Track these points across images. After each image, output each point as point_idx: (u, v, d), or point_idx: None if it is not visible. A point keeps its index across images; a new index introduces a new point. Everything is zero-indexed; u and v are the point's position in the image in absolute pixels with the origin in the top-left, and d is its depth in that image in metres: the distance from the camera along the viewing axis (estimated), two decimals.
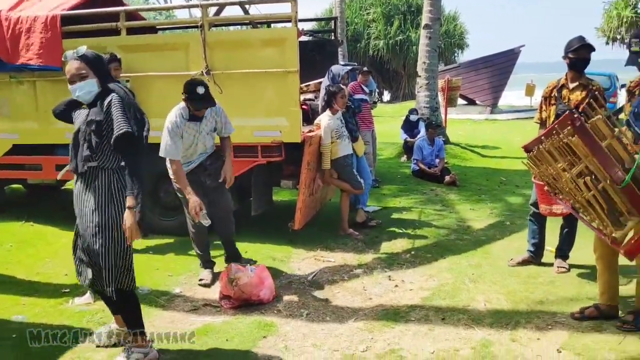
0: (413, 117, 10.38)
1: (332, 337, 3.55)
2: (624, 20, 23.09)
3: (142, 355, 3.13)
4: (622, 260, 3.57)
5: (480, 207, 6.95)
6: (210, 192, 4.38)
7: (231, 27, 7.35)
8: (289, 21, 5.10)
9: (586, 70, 4.28)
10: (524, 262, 4.76)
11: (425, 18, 11.23)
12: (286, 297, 4.18)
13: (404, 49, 28.54)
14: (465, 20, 30.93)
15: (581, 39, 4.18)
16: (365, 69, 8.72)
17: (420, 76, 11.37)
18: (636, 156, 3.12)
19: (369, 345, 3.41)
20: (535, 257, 4.77)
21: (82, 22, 5.62)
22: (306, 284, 4.47)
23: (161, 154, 4.12)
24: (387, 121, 15.63)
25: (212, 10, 6.13)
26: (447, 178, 8.27)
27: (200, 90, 4.01)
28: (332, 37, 7.98)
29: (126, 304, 3.15)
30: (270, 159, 5.21)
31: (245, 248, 5.03)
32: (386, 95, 32.55)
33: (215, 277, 4.46)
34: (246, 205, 5.62)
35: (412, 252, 5.20)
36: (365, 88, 8.09)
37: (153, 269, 4.76)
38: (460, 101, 19.86)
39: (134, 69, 5.38)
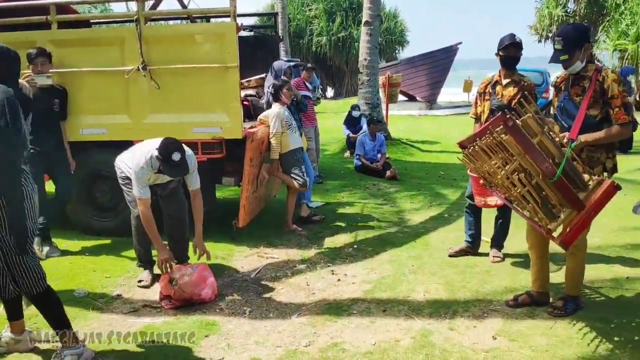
0: (355, 113, 10.50)
1: (275, 333, 3.54)
2: (555, 18, 24.15)
3: (75, 356, 3.02)
4: (552, 249, 3.76)
5: (420, 200, 7.11)
6: (162, 198, 4.32)
7: (171, 22, 7.21)
8: (228, 16, 5.04)
9: (519, 67, 4.44)
10: (461, 252, 4.91)
11: (365, 15, 11.35)
12: (229, 296, 4.14)
13: (347, 45, 28.80)
14: (405, 17, 31.50)
15: (511, 37, 4.32)
16: (309, 65, 8.76)
17: (361, 73, 11.49)
18: (564, 149, 3.28)
19: (312, 340, 3.43)
20: (472, 247, 4.93)
21: (11, 15, 5.34)
22: (249, 282, 4.44)
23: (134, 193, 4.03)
24: (331, 117, 15.74)
25: (149, 4, 5.96)
26: (388, 173, 8.42)
27: (176, 157, 3.82)
28: (273, 33, 7.96)
29: (44, 303, 3.02)
30: (211, 156, 5.13)
31: None
32: (330, 92, 32.75)
33: (155, 278, 4.35)
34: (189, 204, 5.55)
35: (355, 246, 5.26)
36: (308, 84, 8.13)
37: (89, 271, 4.60)
38: (401, 97, 20.27)
39: (66, 64, 5.17)
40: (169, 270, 4.00)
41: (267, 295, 4.18)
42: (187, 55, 5.04)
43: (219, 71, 4.97)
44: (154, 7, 6.34)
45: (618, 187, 3.18)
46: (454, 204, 6.81)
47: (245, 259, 4.98)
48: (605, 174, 3.56)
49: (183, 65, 5.03)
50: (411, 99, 20.39)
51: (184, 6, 6.62)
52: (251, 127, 5.34)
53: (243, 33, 7.29)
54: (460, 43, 20.35)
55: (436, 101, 20.40)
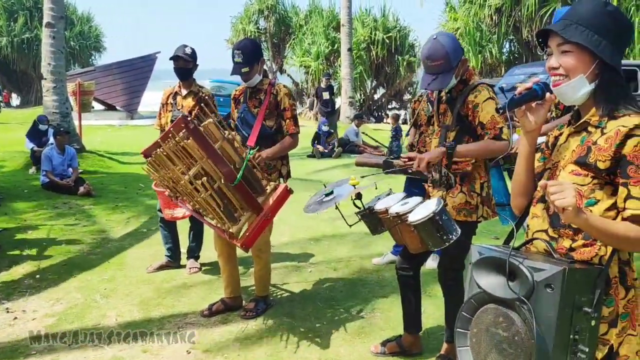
0: (42, 127, 9.44)
1: None
2: (249, 34, 25.82)
3: None
4: (242, 254, 3.91)
5: (117, 216, 6.70)
6: None
7: None
8: None
9: (224, 78, 4.56)
10: (162, 268, 4.76)
11: (47, 16, 10.26)
12: None
13: (33, 48, 25.91)
14: (101, 22, 29.98)
15: (180, 49, 4.37)
16: None
17: (46, 79, 10.36)
18: (244, 156, 3.43)
19: None
20: (172, 260, 4.82)
21: None
22: None
23: None
24: (16, 128, 13.97)
25: None
26: (81, 189, 7.71)
27: None
28: None
29: None
30: None
31: None
32: (15, 100, 29.07)
33: None
34: None
35: (37, 276, 4.62)
36: None
37: None
38: (100, 107, 19.11)
39: None
40: None
41: None
42: None
43: None
44: None
45: (290, 191, 3.48)
46: (153, 217, 6.59)
47: None
48: (281, 179, 3.87)
49: None
50: (111, 108, 19.32)
51: None
52: None
53: None
54: (159, 52, 20.19)
55: (137, 110, 19.71)
